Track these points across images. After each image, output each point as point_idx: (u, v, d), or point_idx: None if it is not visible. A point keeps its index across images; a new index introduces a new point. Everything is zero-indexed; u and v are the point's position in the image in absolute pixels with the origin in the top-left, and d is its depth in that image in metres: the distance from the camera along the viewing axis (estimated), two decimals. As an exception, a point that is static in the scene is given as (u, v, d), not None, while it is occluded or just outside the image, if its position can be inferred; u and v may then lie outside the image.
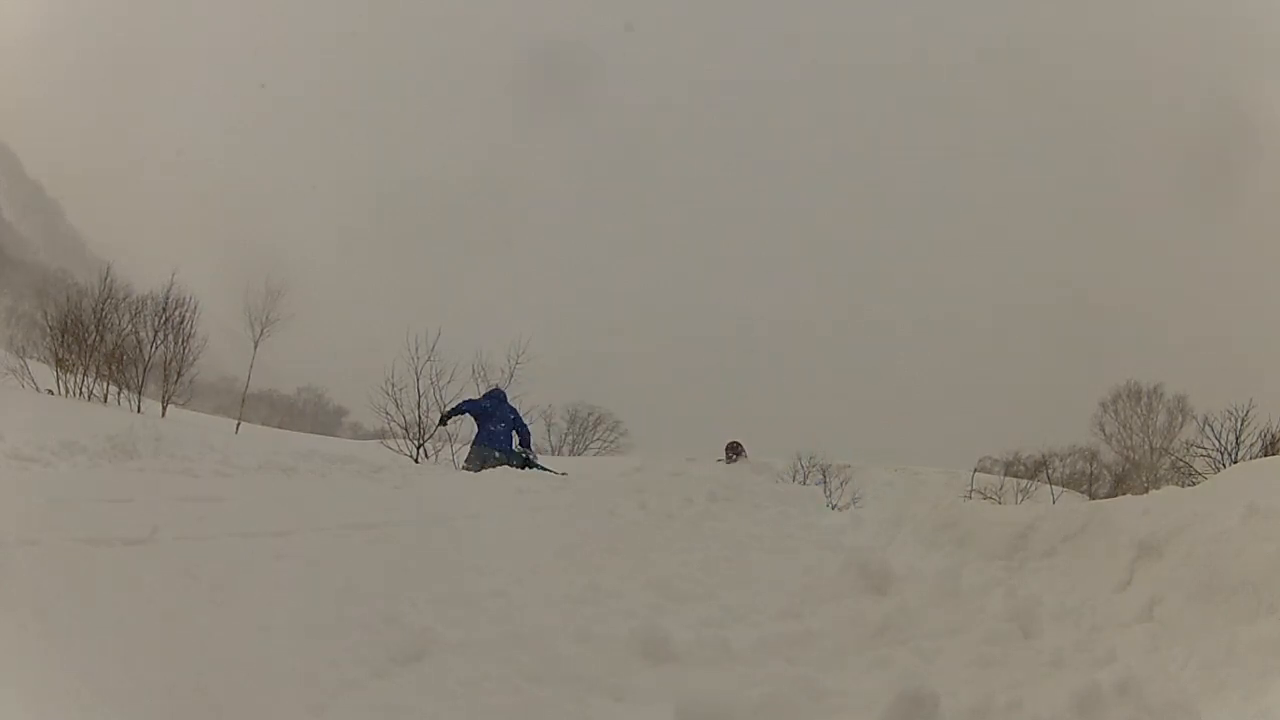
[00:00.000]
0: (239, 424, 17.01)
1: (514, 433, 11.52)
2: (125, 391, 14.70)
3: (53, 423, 8.10)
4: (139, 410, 14.19)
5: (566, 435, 35.79)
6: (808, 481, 25.74)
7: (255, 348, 18.32)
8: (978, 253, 71.61)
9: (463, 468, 11.36)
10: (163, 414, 14.66)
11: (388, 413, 18.46)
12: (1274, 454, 19.69)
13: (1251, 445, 23.80)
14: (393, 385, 18.40)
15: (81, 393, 14.25)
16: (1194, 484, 15.07)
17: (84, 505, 5.01)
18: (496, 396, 11.95)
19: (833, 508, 19.80)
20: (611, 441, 36.24)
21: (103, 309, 15.28)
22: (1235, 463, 20.12)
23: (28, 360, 14.54)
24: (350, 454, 12.49)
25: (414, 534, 6.43)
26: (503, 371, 20.63)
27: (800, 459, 28.16)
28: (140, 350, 15.24)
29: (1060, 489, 30.29)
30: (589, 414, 36.29)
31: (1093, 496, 27.49)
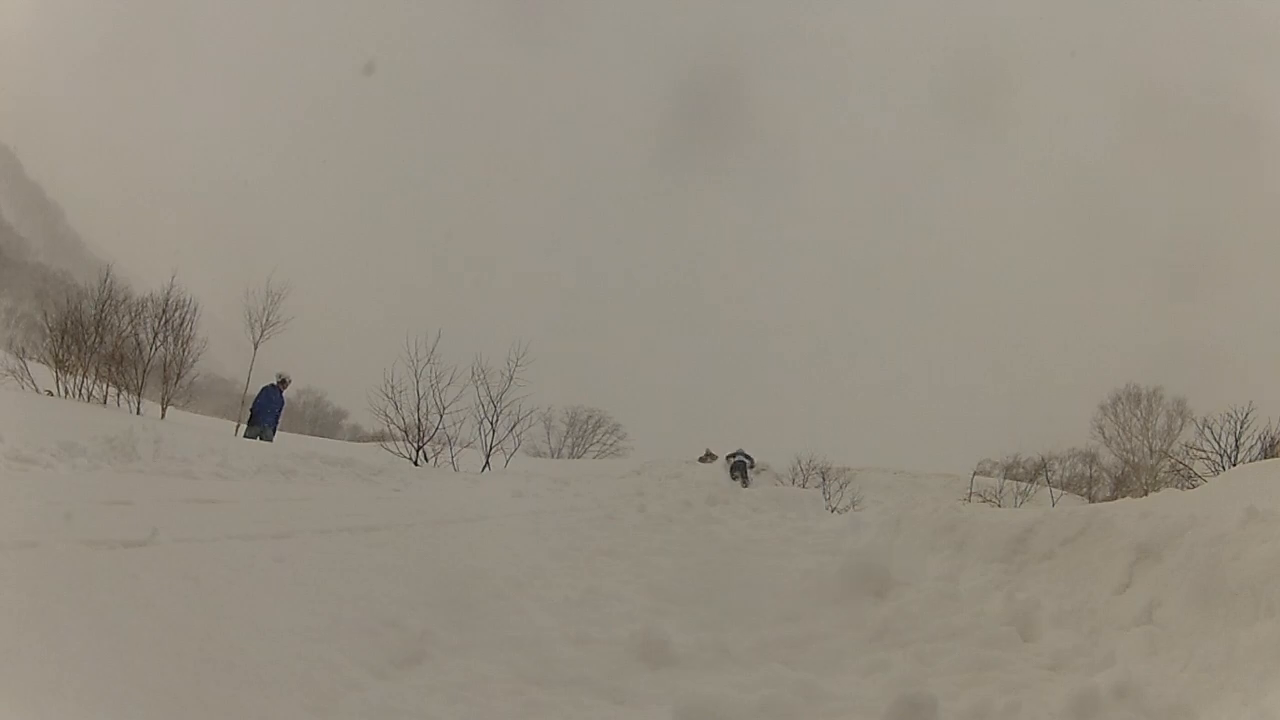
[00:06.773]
0: (238, 426, 16.99)
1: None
2: (125, 393, 14.68)
3: (52, 424, 8.09)
4: (138, 412, 14.16)
5: (566, 438, 35.78)
6: (807, 484, 25.78)
7: (255, 350, 18.30)
8: (977, 256, 71.73)
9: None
10: (162, 416, 14.63)
11: (387, 415, 18.47)
12: (1273, 457, 19.69)
13: (1251, 448, 23.75)
14: (392, 388, 18.40)
15: (81, 394, 14.23)
16: (1193, 487, 15.10)
17: (83, 507, 5.02)
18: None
19: (832, 511, 19.84)
20: (611, 445, 36.23)
21: (103, 311, 15.26)
22: (1235, 465, 20.12)
23: (27, 361, 14.52)
24: (349, 457, 12.49)
25: (413, 537, 6.43)
26: (502, 374, 20.61)
27: (800, 461, 28.22)
28: (140, 352, 15.21)
29: (1059, 492, 30.26)
30: (588, 417, 36.28)
31: (1092, 499, 27.48)
